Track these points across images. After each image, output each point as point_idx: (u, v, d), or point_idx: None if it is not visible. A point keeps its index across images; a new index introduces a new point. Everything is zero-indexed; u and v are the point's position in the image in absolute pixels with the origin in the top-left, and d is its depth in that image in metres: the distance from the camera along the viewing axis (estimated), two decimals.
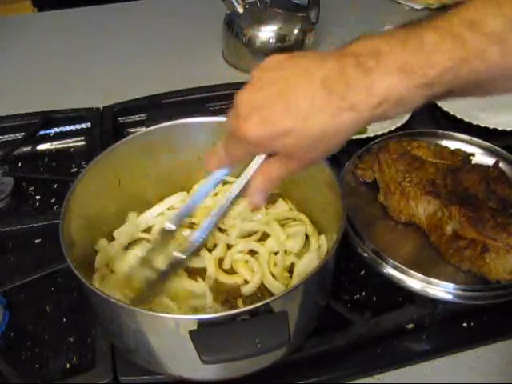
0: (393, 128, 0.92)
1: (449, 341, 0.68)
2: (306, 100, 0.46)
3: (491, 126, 0.93)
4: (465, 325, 0.69)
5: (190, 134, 0.74)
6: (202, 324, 0.49)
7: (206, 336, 0.49)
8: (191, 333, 0.49)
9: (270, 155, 0.52)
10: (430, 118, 1.00)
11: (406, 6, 1.37)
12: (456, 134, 0.89)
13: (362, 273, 0.70)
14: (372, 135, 0.91)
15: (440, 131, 0.89)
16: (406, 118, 0.95)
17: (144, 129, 0.73)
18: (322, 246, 0.70)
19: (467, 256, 0.69)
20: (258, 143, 0.49)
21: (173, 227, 0.61)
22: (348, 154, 0.84)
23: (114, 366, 0.62)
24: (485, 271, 0.69)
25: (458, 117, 0.96)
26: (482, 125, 0.94)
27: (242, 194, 0.55)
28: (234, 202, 0.56)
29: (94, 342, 0.65)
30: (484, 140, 0.87)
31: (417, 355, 0.66)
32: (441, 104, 0.99)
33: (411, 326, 0.68)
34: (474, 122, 0.94)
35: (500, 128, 0.93)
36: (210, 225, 0.57)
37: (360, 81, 0.44)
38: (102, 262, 0.69)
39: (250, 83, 0.49)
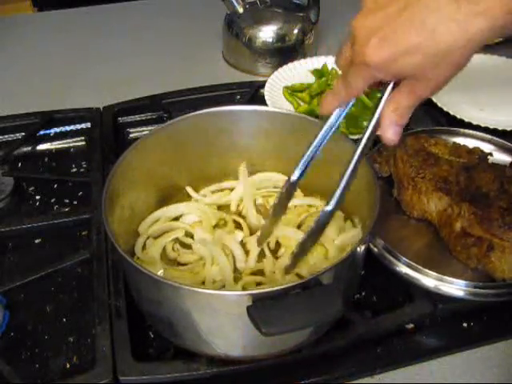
0: None
1: (449, 341, 0.68)
2: (431, 11, 0.43)
3: (491, 126, 0.93)
4: (465, 325, 0.69)
5: (220, 123, 0.75)
6: (256, 299, 0.51)
7: (263, 310, 0.50)
8: (249, 308, 0.51)
9: (395, 85, 0.49)
10: (429, 118, 1.00)
11: None
12: (476, 133, 0.89)
13: (362, 272, 0.70)
14: None
15: (461, 129, 0.90)
16: None
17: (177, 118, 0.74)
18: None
19: (474, 254, 0.70)
20: (381, 66, 0.46)
21: (295, 177, 0.60)
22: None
23: (114, 365, 0.62)
24: (490, 269, 0.69)
25: (458, 117, 0.96)
26: (482, 125, 0.94)
27: (375, 131, 0.53)
28: (369, 139, 0.53)
29: (94, 342, 0.65)
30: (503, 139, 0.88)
31: (417, 355, 0.66)
32: (441, 104, 0.99)
33: (411, 326, 0.68)
34: (474, 122, 0.94)
35: (500, 128, 0.93)
36: (352, 166, 0.55)
37: None
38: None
39: (364, 7, 0.47)
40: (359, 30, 0.47)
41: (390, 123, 0.50)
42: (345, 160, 0.69)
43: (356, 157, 0.54)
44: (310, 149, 0.59)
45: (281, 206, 0.65)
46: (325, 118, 0.57)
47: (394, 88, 0.50)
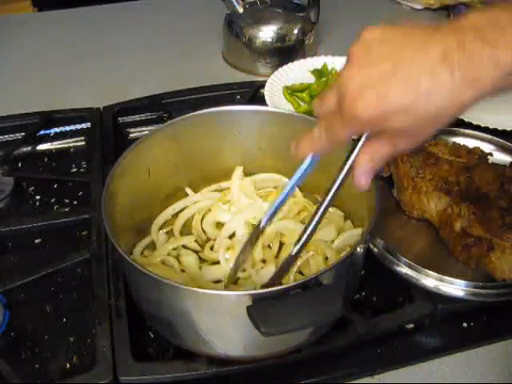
0: None
1: (449, 341, 0.68)
2: (425, 75, 0.43)
3: (491, 126, 0.93)
4: (465, 325, 0.69)
5: (220, 123, 0.75)
6: (256, 299, 0.51)
7: (263, 310, 0.51)
8: (248, 308, 0.51)
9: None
10: None
11: (407, 6, 1.37)
12: (476, 133, 0.90)
13: (362, 272, 0.70)
14: None
15: (461, 129, 0.90)
16: None
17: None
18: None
19: (474, 254, 0.70)
20: (371, 122, 0.45)
21: (263, 224, 0.61)
22: None
23: (114, 365, 0.62)
24: (491, 270, 0.69)
25: (458, 117, 0.96)
26: (482, 125, 0.94)
27: (348, 176, 0.52)
28: (341, 184, 0.53)
29: (94, 342, 0.65)
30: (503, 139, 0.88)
31: (417, 355, 0.66)
32: None
33: (411, 326, 0.68)
34: (475, 122, 0.94)
35: (500, 128, 0.93)
36: (314, 223, 0.55)
37: (485, 54, 0.41)
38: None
39: (355, 59, 0.46)
40: (351, 83, 0.46)
41: (364, 171, 0.50)
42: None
43: (323, 207, 0.54)
44: (280, 198, 0.60)
45: (249, 246, 0.65)
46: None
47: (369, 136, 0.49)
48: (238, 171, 0.79)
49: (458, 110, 0.45)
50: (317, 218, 0.55)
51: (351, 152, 0.51)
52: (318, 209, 0.55)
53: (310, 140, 0.53)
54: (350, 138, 0.50)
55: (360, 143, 0.50)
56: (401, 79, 0.44)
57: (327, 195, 0.54)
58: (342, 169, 0.52)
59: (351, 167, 0.51)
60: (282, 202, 0.60)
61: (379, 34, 0.46)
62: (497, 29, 0.42)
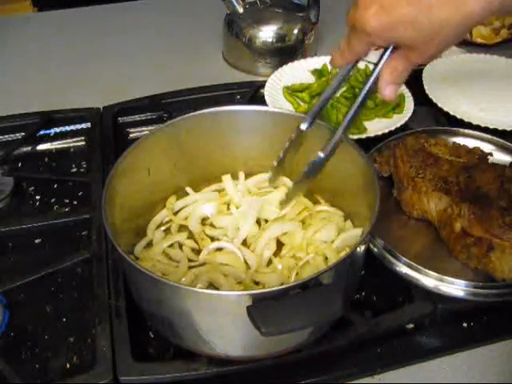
0: (393, 128, 0.92)
1: (449, 341, 0.68)
2: None
3: (491, 126, 0.93)
4: (465, 325, 0.69)
5: (220, 123, 0.75)
6: (256, 299, 0.51)
7: (263, 310, 0.51)
8: (249, 308, 0.51)
9: (394, 49, 0.53)
10: (430, 118, 1.00)
11: None
12: (476, 133, 0.90)
13: (362, 273, 0.70)
14: (372, 135, 0.91)
15: (461, 129, 0.90)
16: (406, 118, 0.95)
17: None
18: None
19: (474, 254, 0.70)
20: (377, 33, 0.50)
21: (305, 126, 0.64)
22: (367, 148, 0.83)
23: (114, 365, 0.62)
24: (491, 269, 0.69)
25: (458, 117, 0.96)
26: (482, 125, 0.94)
27: (373, 89, 0.57)
28: (366, 97, 0.58)
29: (94, 342, 0.65)
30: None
31: (417, 355, 0.66)
32: (441, 104, 0.99)
33: (411, 326, 0.68)
34: (474, 122, 0.94)
35: (500, 128, 0.93)
36: (346, 123, 0.60)
37: None
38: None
39: None
40: None
41: (386, 83, 0.55)
42: (345, 160, 0.69)
43: (352, 113, 0.59)
44: (320, 100, 0.63)
45: (287, 157, 0.68)
46: (334, 72, 0.63)
47: (393, 51, 0.54)
48: (227, 178, 0.80)
49: (461, 25, 0.47)
50: (345, 125, 0.60)
51: (375, 66, 0.56)
52: (344, 120, 0.60)
53: (338, 53, 0.59)
54: (368, 50, 0.55)
55: (382, 60, 0.55)
56: None
57: (354, 105, 0.59)
58: (367, 80, 0.57)
59: (375, 80, 0.56)
60: (328, 98, 0.64)
61: None
62: None
